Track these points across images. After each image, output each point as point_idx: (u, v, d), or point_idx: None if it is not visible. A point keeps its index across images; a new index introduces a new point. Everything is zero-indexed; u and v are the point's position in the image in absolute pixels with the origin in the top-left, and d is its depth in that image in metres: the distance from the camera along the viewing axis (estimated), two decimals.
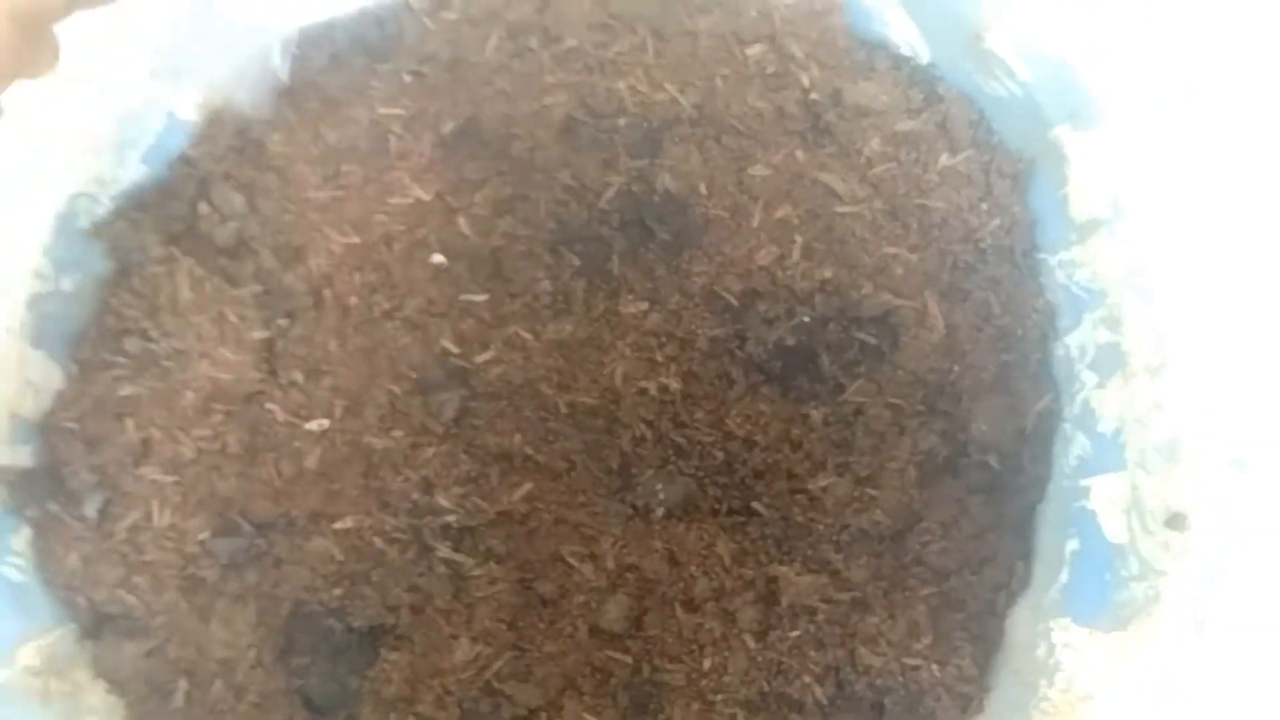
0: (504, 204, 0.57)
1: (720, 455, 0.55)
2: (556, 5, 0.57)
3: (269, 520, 0.54)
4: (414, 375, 0.55)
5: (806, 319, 0.56)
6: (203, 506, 0.54)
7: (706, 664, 0.53)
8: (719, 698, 0.53)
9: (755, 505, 0.55)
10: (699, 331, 0.56)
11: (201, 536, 0.54)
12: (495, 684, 0.52)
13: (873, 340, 0.56)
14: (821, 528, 0.55)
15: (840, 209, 0.56)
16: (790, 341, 0.56)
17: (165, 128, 0.56)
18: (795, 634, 0.53)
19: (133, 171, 0.56)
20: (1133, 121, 0.49)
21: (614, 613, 0.53)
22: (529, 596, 0.54)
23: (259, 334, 0.55)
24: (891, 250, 0.56)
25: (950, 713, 0.52)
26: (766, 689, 0.53)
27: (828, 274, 0.56)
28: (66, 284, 0.54)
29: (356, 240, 0.57)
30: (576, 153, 0.57)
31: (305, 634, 0.53)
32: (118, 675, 0.53)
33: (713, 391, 0.56)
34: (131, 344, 0.55)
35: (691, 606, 0.54)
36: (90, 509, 0.53)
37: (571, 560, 0.54)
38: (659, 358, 0.56)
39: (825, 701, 0.53)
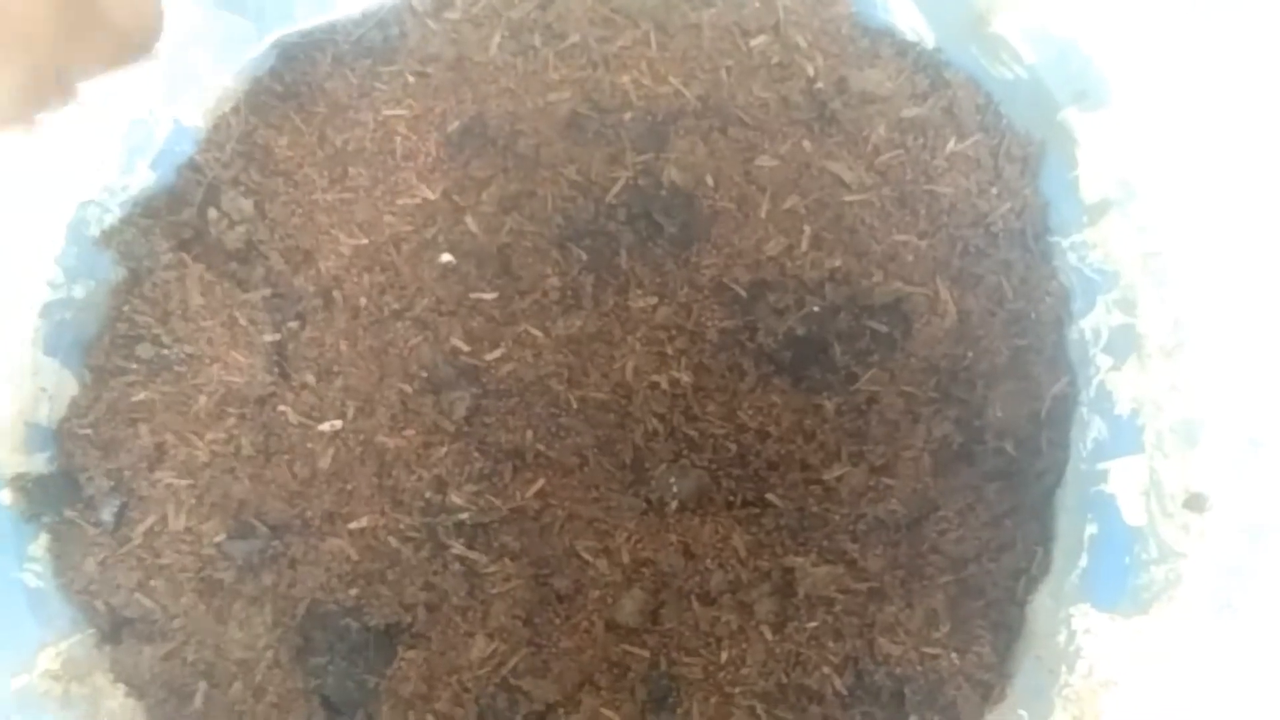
0: (510, 201, 0.57)
1: (733, 447, 0.55)
2: (559, 2, 0.57)
3: (284, 521, 0.54)
4: (425, 374, 0.56)
5: (817, 309, 0.55)
6: (218, 509, 0.54)
7: (724, 656, 0.53)
8: (737, 690, 0.52)
9: (770, 497, 0.55)
10: (709, 324, 0.56)
11: (217, 539, 0.54)
12: (512, 680, 0.52)
13: (884, 328, 0.55)
14: (837, 518, 0.54)
15: (848, 197, 0.56)
16: (801, 331, 0.55)
17: (172, 134, 0.56)
18: (813, 625, 0.53)
19: (141, 178, 0.56)
20: (1141, 101, 0.49)
21: (630, 607, 0.53)
22: (544, 592, 0.54)
23: (270, 337, 0.56)
24: (901, 237, 0.55)
25: (971, 701, 0.51)
26: (785, 680, 0.52)
27: (837, 263, 0.56)
28: (78, 291, 0.55)
29: (365, 241, 0.57)
30: (582, 148, 0.57)
31: (322, 634, 0.53)
32: (137, 678, 0.53)
33: (724, 384, 0.55)
34: (144, 350, 0.55)
35: (708, 599, 0.54)
36: (106, 514, 0.54)
37: (586, 555, 0.54)
38: (669, 351, 0.56)
39: (845, 692, 0.52)
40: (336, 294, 0.57)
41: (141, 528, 0.54)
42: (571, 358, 0.56)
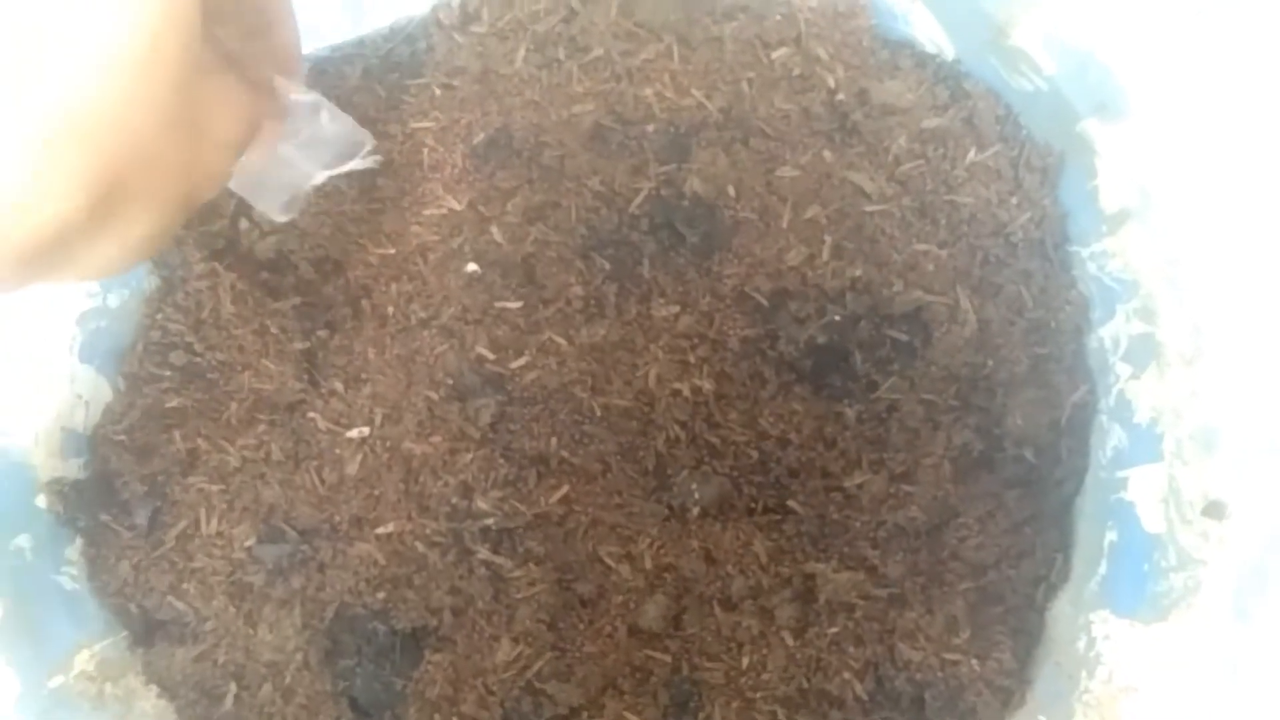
0: (535, 212, 0.58)
1: (754, 454, 0.56)
2: (583, 16, 0.58)
3: (313, 526, 0.55)
4: (451, 382, 0.56)
5: (838, 317, 0.56)
6: (248, 514, 0.55)
7: (745, 662, 0.53)
8: (759, 695, 0.53)
9: (791, 503, 0.55)
10: (731, 332, 0.56)
11: (248, 543, 0.55)
12: (537, 684, 0.53)
13: (904, 337, 0.56)
14: (858, 525, 0.55)
15: (869, 207, 0.56)
16: (822, 340, 0.56)
17: None
18: (833, 630, 0.53)
19: None
20: (1161, 112, 0.49)
21: (652, 612, 0.54)
22: (568, 597, 0.54)
23: (299, 345, 0.57)
24: (921, 247, 0.56)
25: (991, 706, 0.52)
26: (806, 685, 0.53)
27: (858, 272, 0.56)
28: (113, 300, 0.56)
29: (393, 251, 0.58)
30: (606, 159, 0.58)
31: (350, 636, 0.54)
32: (168, 680, 0.54)
33: (745, 391, 0.56)
34: (177, 357, 0.57)
35: (729, 605, 0.54)
36: (140, 518, 0.55)
37: (609, 561, 0.55)
38: (691, 359, 0.56)
39: (865, 697, 0.53)
40: (365, 303, 0.58)
41: (174, 531, 0.55)
42: (595, 365, 0.56)
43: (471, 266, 0.58)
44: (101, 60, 0.28)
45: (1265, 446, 0.44)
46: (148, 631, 0.55)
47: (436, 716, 0.53)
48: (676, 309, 0.57)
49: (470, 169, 0.59)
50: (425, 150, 0.59)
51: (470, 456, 0.55)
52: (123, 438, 0.56)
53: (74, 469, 0.55)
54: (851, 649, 0.53)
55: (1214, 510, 0.45)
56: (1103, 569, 0.51)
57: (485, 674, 0.53)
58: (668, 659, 0.54)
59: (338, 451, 0.56)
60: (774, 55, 0.58)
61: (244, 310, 0.57)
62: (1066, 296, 0.55)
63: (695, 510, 0.55)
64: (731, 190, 0.57)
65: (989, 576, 0.54)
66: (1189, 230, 0.48)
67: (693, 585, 0.54)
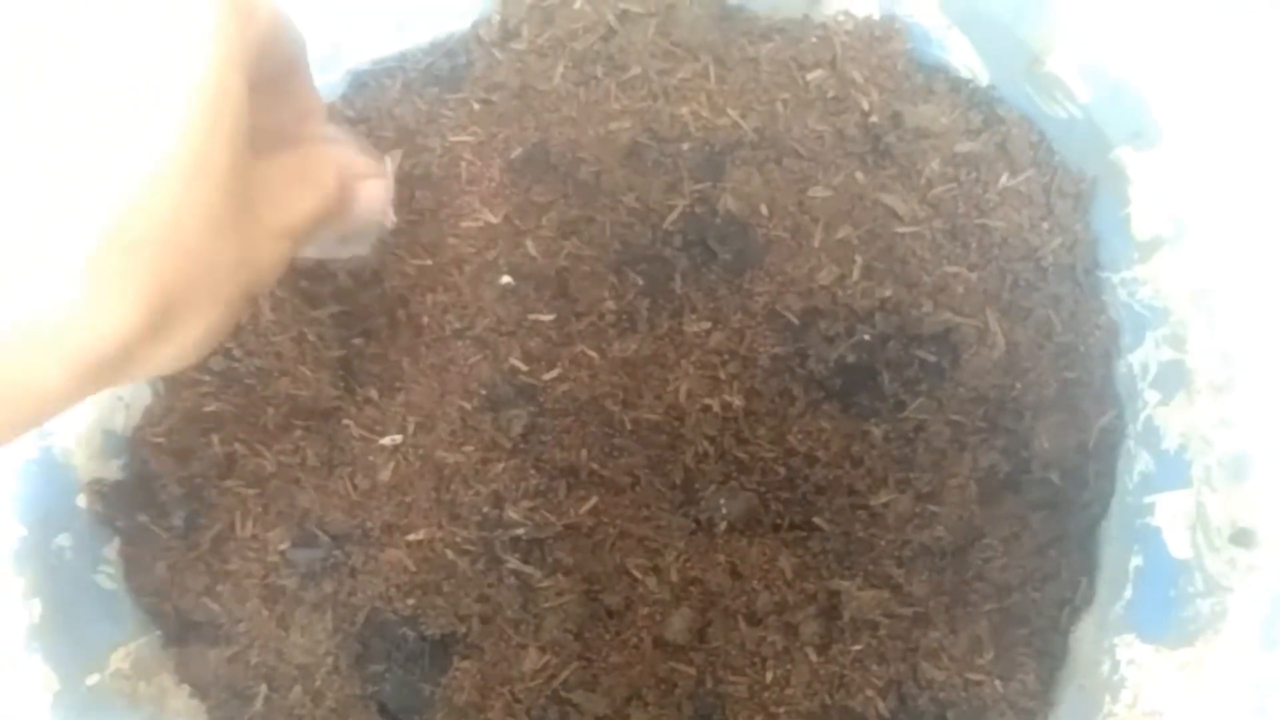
0: (570, 226, 0.59)
1: (782, 471, 0.56)
2: (621, 35, 0.59)
3: (345, 531, 0.56)
4: (484, 392, 0.57)
5: (867, 337, 0.57)
6: (283, 518, 0.56)
7: (769, 676, 0.54)
8: (781, 710, 0.53)
9: (817, 520, 0.56)
10: (761, 350, 0.57)
11: (281, 547, 0.56)
12: (563, 693, 0.54)
13: (933, 358, 0.56)
14: (883, 543, 0.55)
15: (900, 229, 0.57)
16: (851, 359, 0.57)
17: None
18: (857, 648, 0.54)
19: None
20: (1194, 141, 0.50)
21: (678, 625, 0.54)
22: (595, 608, 0.55)
23: (336, 353, 0.58)
24: (952, 269, 0.57)
25: None
26: (829, 702, 0.53)
27: (888, 293, 0.57)
28: None
29: (429, 262, 0.59)
30: (641, 176, 0.58)
31: (380, 642, 0.55)
32: (201, 680, 0.55)
33: (774, 408, 0.57)
34: (216, 362, 0.58)
35: (754, 620, 0.55)
36: (177, 520, 0.56)
37: (636, 573, 0.55)
38: (721, 375, 0.57)
39: (888, 715, 0.53)
40: (401, 312, 0.59)
41: (210, 534, 0.56)
42: (626, 379, 0.57)
43: (506, 279, 0.59)
44: (151, 171, 0.27)
45: None
46: (181, 632, 0.56)
47: None
48: (708, 325, 0.57)
49: (507, 183, 0.59)
50: (463, 164, 0.60)
51: (501, 466, 0.56)
52: (161, 440, 0.57)
53: (113, 470, 0.56)
54: (875, 667, 0.54)
55: (1242, 538, 0.46)
56: (1128, 593, 0.51)
57: (512, 682, 0.54)
58: (692, 671, 0.54)
59: (371, 458, 0.57)
60: (809, 77, 0.58)
61: (283, 317, 0.58)
62: (1096, 321, 0.55)
63: (722, 525, 0.56)
64: (764, 209, 0.58)
65: (1013, 598, 0.54)
66: (1221, 260, 0.49)
67: (718, 599, 0.55)
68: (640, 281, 0.58)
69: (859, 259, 0.57)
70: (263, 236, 0.35)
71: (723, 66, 0.59)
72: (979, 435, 0.56)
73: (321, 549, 0.56)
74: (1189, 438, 0.50)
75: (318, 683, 0.55)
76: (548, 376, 0.57)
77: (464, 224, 0.59)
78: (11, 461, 0.53)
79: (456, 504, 0.56)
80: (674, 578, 0.55)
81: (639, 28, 0.59)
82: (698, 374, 0.57)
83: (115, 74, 0.28)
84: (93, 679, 0.52)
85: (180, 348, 0.32)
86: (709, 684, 0.54)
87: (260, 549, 0.56)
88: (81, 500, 0.55)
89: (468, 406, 0.57)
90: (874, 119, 0.57)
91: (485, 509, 0.56)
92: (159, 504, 0.56)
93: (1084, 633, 0.52)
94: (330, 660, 0.55)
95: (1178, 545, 0.49)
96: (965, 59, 0.57)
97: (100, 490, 0.55)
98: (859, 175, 0.58)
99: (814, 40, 0.58)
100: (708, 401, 0.56)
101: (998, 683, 0.53)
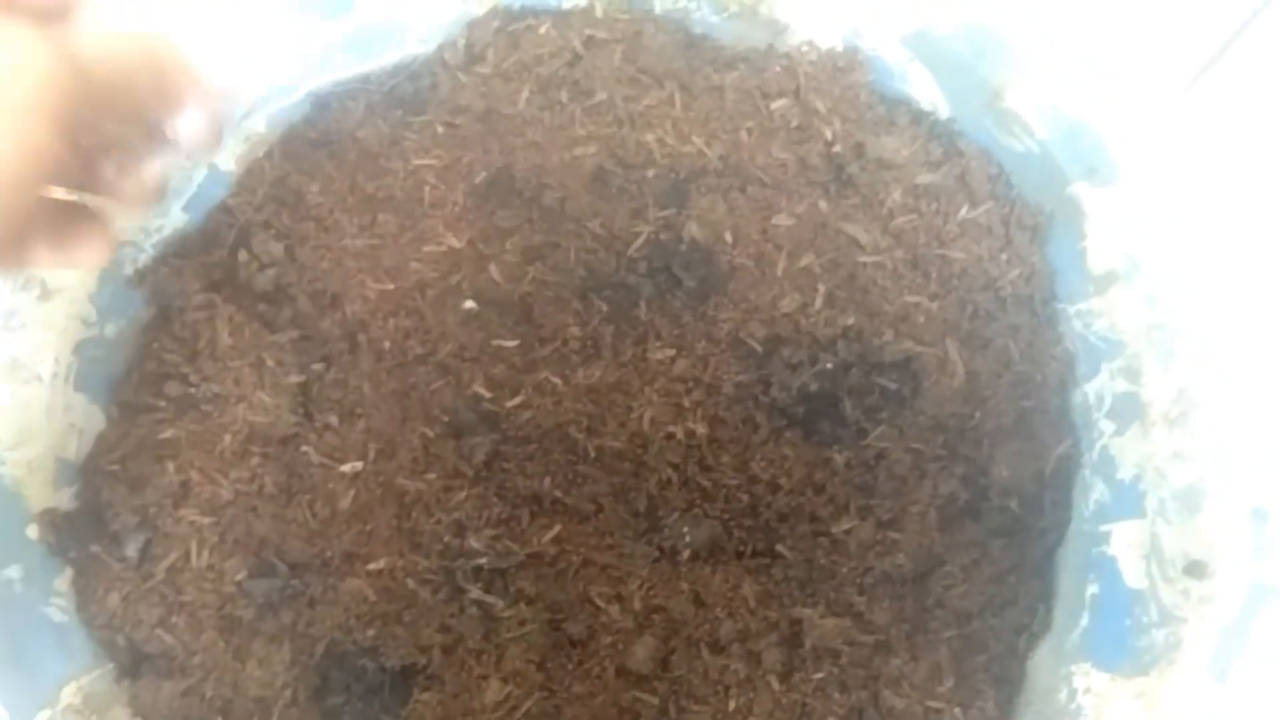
0: (534, 252, 0.58)
1: (745, 498, 0.56)
2: (587, 61, 0.59)
3: (304, 561, 0.55)
4: (446, 419, 0.57)
5: (829, 365, 0.57)
6: (240, 547, 0.55)
7: (732, 705, 0.54)
8: None
9: (779, 548, 0.56)
10: (725, 377, 0.57)
11: (238, 577, 0.55)
12: None
13: (894, 386, 0.57)
14: (844, 570, 0.56)
15: (862, 258, 0.58)
16: (813, 387, 0.57)
17: (206, 178, 0.58)
18: (819, 676, 0.54)
19: (174, 220, 0.57)
20: (1149, 179, 0.51)
21: (641, 654, 0.54)
22: (558, 637, 0.55)
23: (295, 378, 0.57)
24: (913, 298, 0.57)
25: None
26: None
27: (850, 321, 0.57)
28: (110, 329, 0.56)
29: (391, 287, 0.58)
30: (606, 202, 0.58)
31: (339, 673, 0.54)
32: (155, 714, 0.54)
33: (738, 436, 0.57)
34: (172, 388, 0.57)
35: (717, 648, 0.55)
36: (131, 550, 0.54)
37: (599, 601, 0.55)
38: (686, 403, 0.57)
39: None
40: (362, 337, 0.58)
41: (165, 564, 0.55)
42: (590, 406, 0.57)
43: (469, 304, 0.58)
44: None
45: (1247, 511, 0.46)
46: (135, 664, 0.55)
47: None
48: (672, 352, 0.57)
49: (471, 207, 0.59)
50: (427, 188, 0.59)
51: (464, 494, 0.56)
52: (115, 468, 0.55)
53: (65, 499, 0.55)
54: (836, 695, 0.54)
55: (1195, 569, 0.47)
56: (1084, 621, 0.52)
57: (474, 714, 0.53)
58: (655, 700, 0.54)
59: (330, 486, 0.56)
60: (773, 106, 0.59)
61: (240, 342, 0.57)
62: (1052, 352, 0.56)
63: (686, 553, 0.56)
64: (729, 236, 0.58)
65: (973, 625, 0.55)
66: (1175, 296, 0.50)
67: (681, 627, 0.55)
68: (605, 308, 0.58)
69: (822, 287, 0.58)
70: None
71: (688, 94, 0.59)
72: (939, 463, 0.56)
73: (279, 579, 0.55)
74: (1143, 469, 0.51)
75: (275, 716, 0.54)
76: (511, 403, 0.57)
77: (427, 248, 0.59)
78: None
79: (418, 532, 0.55)
80: (637, 606, 0.55)
81: (605, 54, 0.59)
82: (662, 401, 0.57)
83: None
84: (44, 715, 0.51)
85: None
86: (672, 713, 0.54)
87: (216, 579, 0.55)
88: (32, 531, 0.54)
89: (430, 433, 0.57)
90: (837, 149, 0.58)
91: (447, 538, 0.55)
92: (112, 533, 0.55)
93: (1041, 660, 0.53)
94: (288, 693, 0.54)
95: (1133, 575, 0.50)
96: (926, 92, 0.57)
97: (52, 520, 0.54)
98: (822, 204, 0.58)
99: (778, 70, 0.59)
100: (671, 429, 0.57)
101: (957, 710, 0.53)
